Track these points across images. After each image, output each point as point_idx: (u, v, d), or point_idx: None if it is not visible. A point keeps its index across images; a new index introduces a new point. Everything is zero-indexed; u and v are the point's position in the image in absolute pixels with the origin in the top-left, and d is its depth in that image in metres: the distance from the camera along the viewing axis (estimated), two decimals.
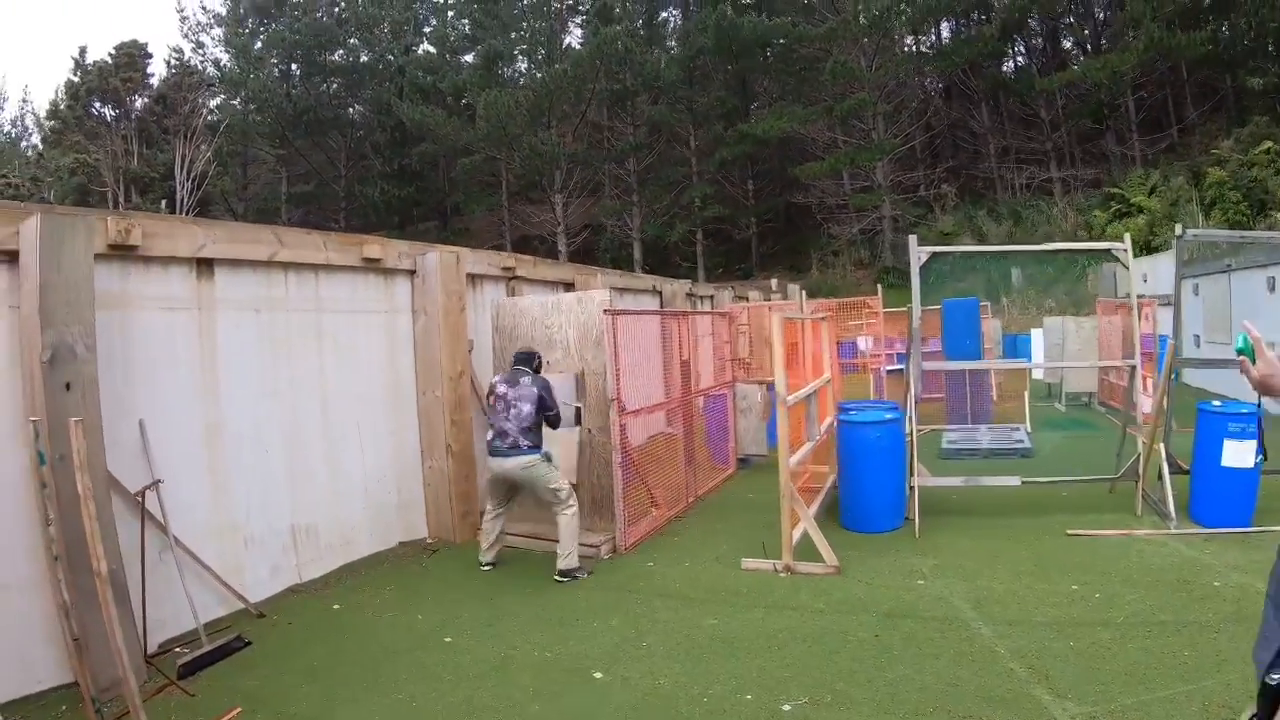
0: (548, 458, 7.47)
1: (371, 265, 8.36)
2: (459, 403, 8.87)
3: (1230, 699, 4.56)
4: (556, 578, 7.24)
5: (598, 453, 8.45)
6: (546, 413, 7.50)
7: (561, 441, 8.44)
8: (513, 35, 46.10)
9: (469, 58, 49.22)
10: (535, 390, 7.43)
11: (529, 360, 7.78)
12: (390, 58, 47.09)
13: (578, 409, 8.51)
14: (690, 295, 18.31)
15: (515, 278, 10.90)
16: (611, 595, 6.88)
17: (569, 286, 12.03)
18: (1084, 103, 37.29)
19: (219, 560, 6.51)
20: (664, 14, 50.50)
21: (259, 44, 46.99)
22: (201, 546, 6.35)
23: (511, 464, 7.32)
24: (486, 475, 7.75)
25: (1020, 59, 44.02)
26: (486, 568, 7.69)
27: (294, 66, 46.98)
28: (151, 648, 5.78)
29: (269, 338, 7.28)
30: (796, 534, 7.33)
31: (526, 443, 7.29)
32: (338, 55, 47.55)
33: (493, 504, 7.75)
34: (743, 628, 5.99)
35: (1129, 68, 32.95)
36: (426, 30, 51.92)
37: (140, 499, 5.76)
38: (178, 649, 5.86)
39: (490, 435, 7.50)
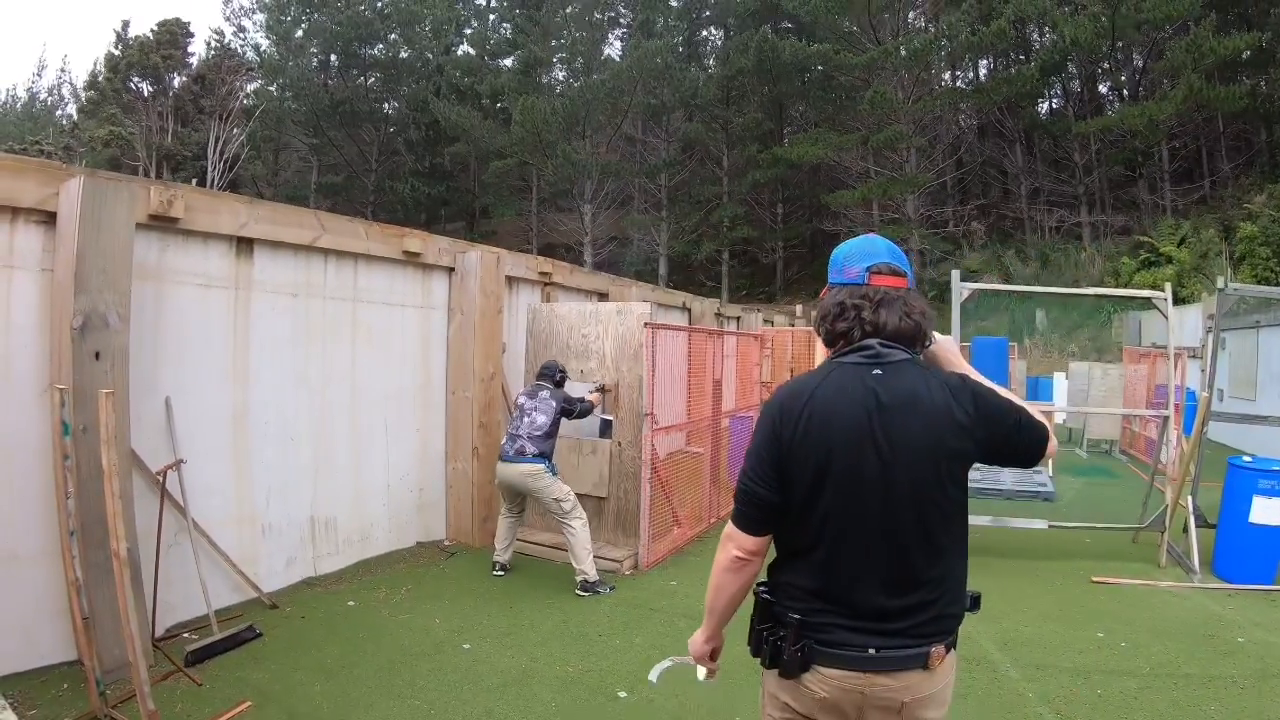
0: (551, 469, 7.38)
1: (411, 259, 8.25)
2: (488, 405, 8.74)
3: None
4: (578, 592, 7.11)
5: (625, 467, 8.27)
6: (569, 413, 7.61)
7: (592, 453, 8.41)
8: (553, 43, 46.02)
9: (508, 62, 49.13)
10: (554, 403, 7.49)
11: (550, 374, 7.79)
12: (429, 56, 47.18)
13: (609, 421, 8.40)
14: (719, 315, 18.14)
15: (551, 284, 10.78)
16: (634, 613, 6.74)
17: (603, 296, 11.95)
18: (1118, 149, 36.85)
19: (235, 547, 6.36)
20: (705, 32, 50.63)
21: (300, 32, 47.00)
22: (218, 532, 6.20)
23: (514, 470, 7.29)
24: (497, 480, 7.69)
25: (1057, 101, 43.80)
26: (499, 572, 7.60)
27: (333, 57, 47.08)
28: (159, 631, 5.62)
29: (304, 324, 7.15)
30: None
31: (533, 450, 7.27)
32: (377, 49, 47.57)
33: (506, 506, 7.69)
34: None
35: (1166, 117, 32.56)
36: (467, 32, 52.14)
37: (161, 478, 5.60)
38: (186, 634, 5.73)
39: (504, 440, 7.57)
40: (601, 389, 8.30)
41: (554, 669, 5.49)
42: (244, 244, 6.49)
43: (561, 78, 48.31)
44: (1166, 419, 9.15)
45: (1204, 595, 7.59)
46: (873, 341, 2.37)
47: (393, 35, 47.70)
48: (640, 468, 8.06)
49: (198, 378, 6.10)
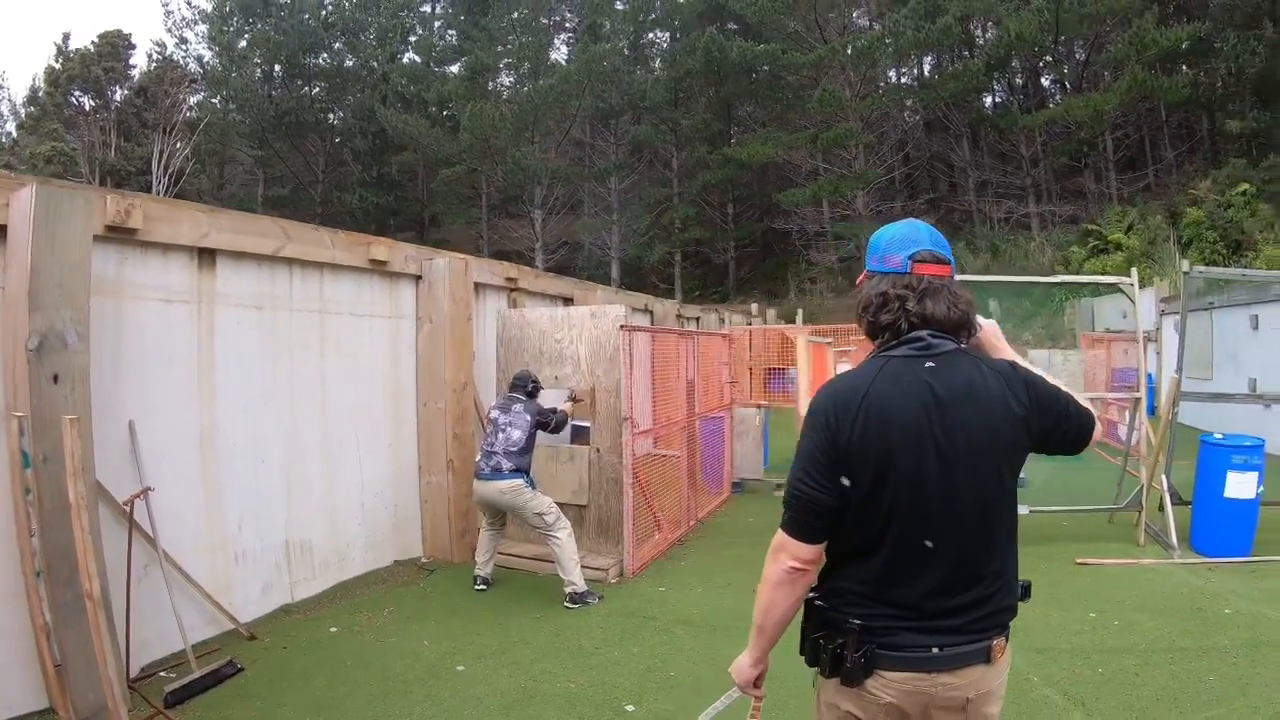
0: (530, 483, 7.15)
1: (377, 267, 7.97)
2: (461, 416, 8.50)
3: None
4: (567, 604, 6.90)
5: (605, 473, 8.12)
6: (544, 426, 7.37)
7: (570, 461, 8.27)
8: (499, 48, 45.58)
9: (454, 68, 48.72)
10: (528, 416, 7.25)
11: (523, 385, 7.55)
12: (375, 64, 46.51)
13: (583, 427, 8.25)
14: (679, 316, 18.05)
15: (517, 289, 10.57)
16: (628, 622, 6.59)
17: (568, 301, 11.78)
18: (1063, 140, 37.61)
19: (208, 577, 6.03)
20: (651, 35, 50.56)
21: (243, 43, 46.01)
22: (190, 561, 5.86)
23: (491, 488, 7.07)
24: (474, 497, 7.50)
25: (1001, 95, 44.33)
26: (480, 586, 7.38)
27: (277, 68, 46.03)
28: (134, 671, 5.27)
29: (270, 338, 6.84)
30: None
31: (509, 465, 7.03)
32: (322, 59, 46.77)
33: (487, 520, 7.48)
34: (773, 658, 5.63)
35: (1110, 108, 33.30)
36: (413, 39, 51.39)
37: (129, 508, 5.26)
38: (163, 673, 5.39)
39: (478, 457, 7.33)
40: (573, 398, 8.11)
41: (555, 686, 5.31)
42: (206, 255, 6.18)
43: (509, 83, 47.97)
44: (1137, 401, 9.47)
45: (1186, 570, 7.85)
46: (923, 333, 2.29)
47: (337, 44, 47.02)
48: (621, 473, 7.91)
49: (162, 398, 5.77)
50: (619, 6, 45.65)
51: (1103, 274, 25.37)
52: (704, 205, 42.75)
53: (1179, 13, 35.50)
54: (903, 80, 45.82)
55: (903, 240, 2.39)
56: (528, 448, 7.20)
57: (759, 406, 12.92)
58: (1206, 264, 24.90)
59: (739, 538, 9.32)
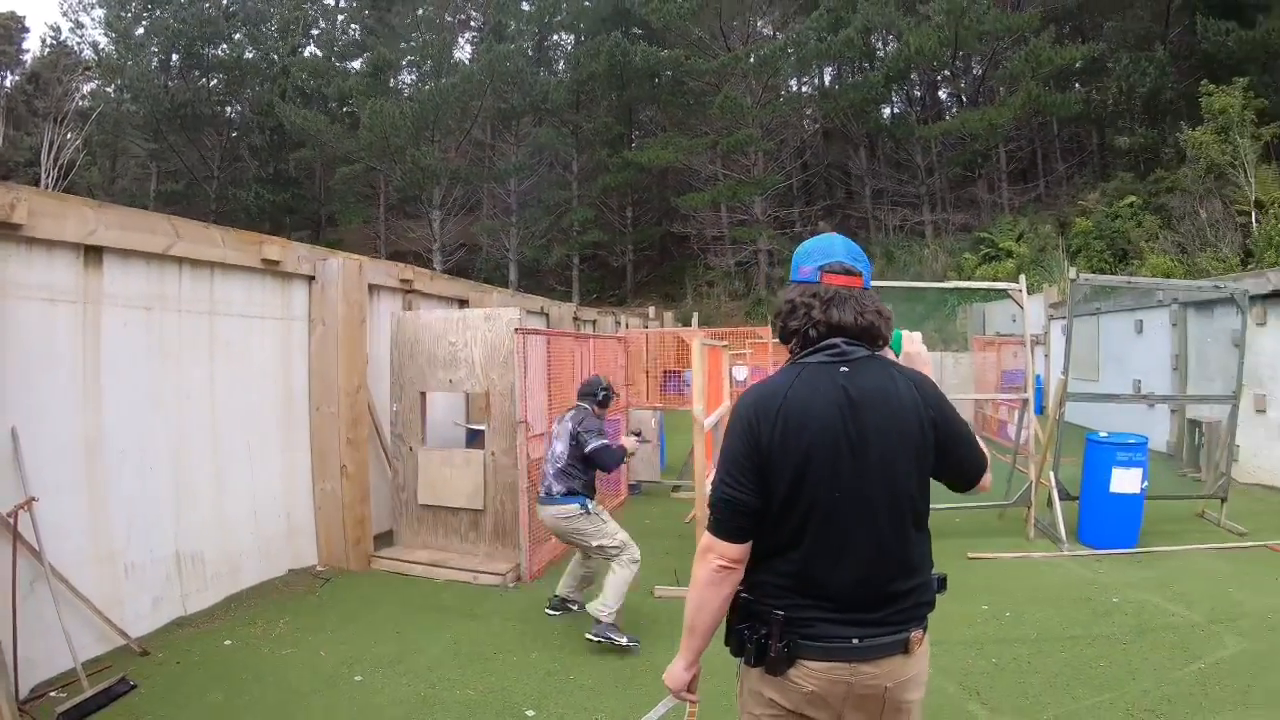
0: (585, 508, 6.35)
1: (270, 267, 7.79)
2: (355, 420, 8.37)
3: (1149, 704, 5.06)
4: (589, 635, 6.10)
5: (501, 477, 8.14)
6: (581, 452, 6.43)
7: (465, 465, 8.29)
8: (402, 45, 44.96)
9: (356, 64, 47.80)
10: (569, 425, 6.53)
11: (592, 393, 6.80)
12: (275, 57, 45.10)
13: (480, 432, 8.30)
14: (576, 319, 18.06)
15: (412, 291, 10.54)
16: (525, 627, 6.64)
17: (463, 303, 11.81)
18: (958, 151, 38.67)
19: (97, 591, 5.82)
20: (556, 36, 50.43)
21: (141, 30, 44.25)
22: (77, 575, 5.65)
23: (546, 514, 6.48)
24: None
25: (900, 106, 45.35)
26: (554, 612, 6.82)
27: (175, 57, 44.37)
28: (23, 692, 5.05)
29: (159, 340, 6.64)
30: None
31: (559, 488, 6.36)
32: (221, 49, 44.98)
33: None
34: (669, 657, 5.63)
35: (1005, 121, 34.44)
36: (315, 33, 50.21)
37: (12, 520, 5.04)
38: (54, 693, 5.19)
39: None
40: (636, 432, 8.09)
41: (454, 693, 5.31)
42: (93, 253, 5.99)
43: (411, 81, 47.37)
44: (1025, 401, 9.96)
45: (1074, 562, 8.37)
46: (837, 340, 2.45)
47: (238, 35, 45.44)
48: (517, 477, 7.94)
49: (45, 403, 5.57)
50: (525, 7, 45.37)
51: (994, 280, 26.13)
52: (603, 208, 42.73)
53: (1075, 33, 37.09)
54: (804, 89, 46.63)
55: (816, 252, 2.57)
56: (574, 463, 6.42)
57: (655, 409, 12.96)
58: (1094, 272, 25.90)
59: (636, 539, 9.13)
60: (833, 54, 37.86)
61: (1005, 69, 35.96)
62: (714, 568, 2.42)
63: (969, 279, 28.97)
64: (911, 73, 40.32)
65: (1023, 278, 10.14)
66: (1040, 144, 40.06)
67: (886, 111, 44.71)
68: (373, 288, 9.49)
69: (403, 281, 10.27)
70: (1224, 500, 9.67)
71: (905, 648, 2.37)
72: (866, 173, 41.13)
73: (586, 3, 47.42)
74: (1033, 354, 10.29)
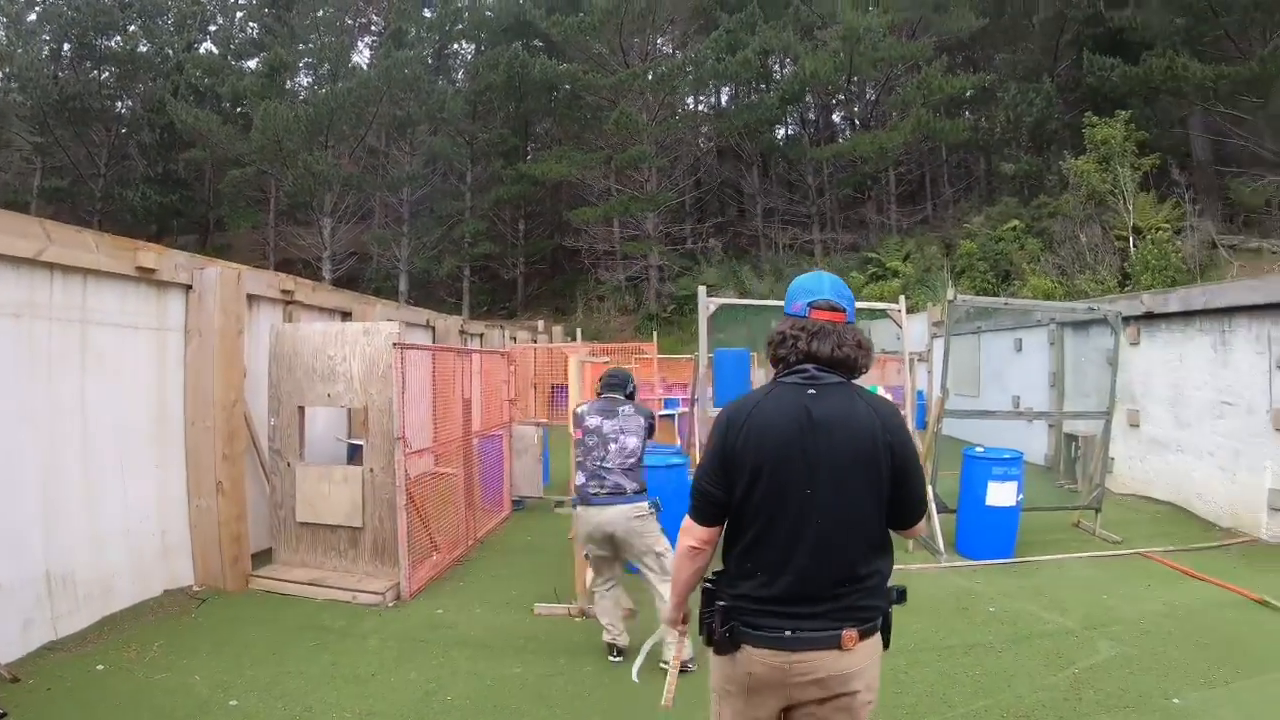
0: (657, 506, 6.07)
1: (145, 275, 7.57)
2: (231, 435, 8.19)
3: (1024, 710, 5.25)
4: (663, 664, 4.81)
5: (379, 494, 8.08)
6: (652, 431, 6.35)
7: (343, 481, 8.19)
8: (300, 46, 44.20)
9: (252, 63, 46.44)
10: (641, 420, 6.24)
11: (623, 385, 6.50)
12: (170, 52, 43.57)
13: (358, 446, 8.19)
14: (463, 332, 18.11)
15: (293, 302, 10.39)
16: (404, 646, 6.57)
17: (346, 315, 11.71)
18: (849, 173, 40.07)
19: None
20: (456, 45, 50.29)
21: (33, 16, 42.17)
22: None
23: (614, 514, 5.95)
24: (579, 532, 6.36)
25: (794, 128, 46.45)
26: (616, 657, 6.22)
27: (66, 47, 42.51)
28: None
29: (27, 350, 6.45)
30: (589, 576, 7.07)
31: (632, 485, 6.01)
32: (115, 41, 43.27)
33: (600, 575, 6.34)
34: (547, 676, 5.93)
35: (895, 146, 35.80)
36: (212, 28, 48.80)
37: None
38: None
39: (582, 479, 6.16)
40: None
41: (331, 716, 5.30)
42: None
43: (307, 84, 46.64)
44: (904, 416, 10.12)
45: (952, 573, 8.59)
46: (809, 366, 2.86)
47: (132, 27, 43.76)
48: (395, 493, 7.89)
49: None
50: (426, 14, 45.20)
51: (880, 299, 26.94)
52: (495, 220, 42.71)
53: (967, 63, 38.96)
54: (700, 108, 47.41)
55: (807, 290, 2.99)
56: (643, 461, 6.20)
57: (538, 425, 13.10)
58: (977, 292, 27.21)
59: (519, 556, 9.49)
60: (730, 74, 38.72)
61: (898, 95, 37.44)
62: (687, 546, 2.98)
63: (856, 298, 29.90)
64: (806, 95, 41.50)
65: (902, 299, 10.45)
66: (929, 168, 41.90)
67: (780, 132, 46.06)
68: (252, 298, 9.34)
69: (284, 292, 10.13)
70: (1098, 510, 10.19)
71: (838, 644, 2.72)
72: (758, 191, 42.00)
73: (488, 13, 47.47)
74: (913, 371, 10.68)
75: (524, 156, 44.19)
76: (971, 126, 36.68)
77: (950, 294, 10.00)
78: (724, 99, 47.66)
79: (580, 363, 7.49)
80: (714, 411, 10.46)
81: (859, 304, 13.01)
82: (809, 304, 2.95)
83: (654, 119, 38.40)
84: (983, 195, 38.62)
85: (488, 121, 43.74)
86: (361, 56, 47.71)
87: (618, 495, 5.96)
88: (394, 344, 7.95)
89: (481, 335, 20.23)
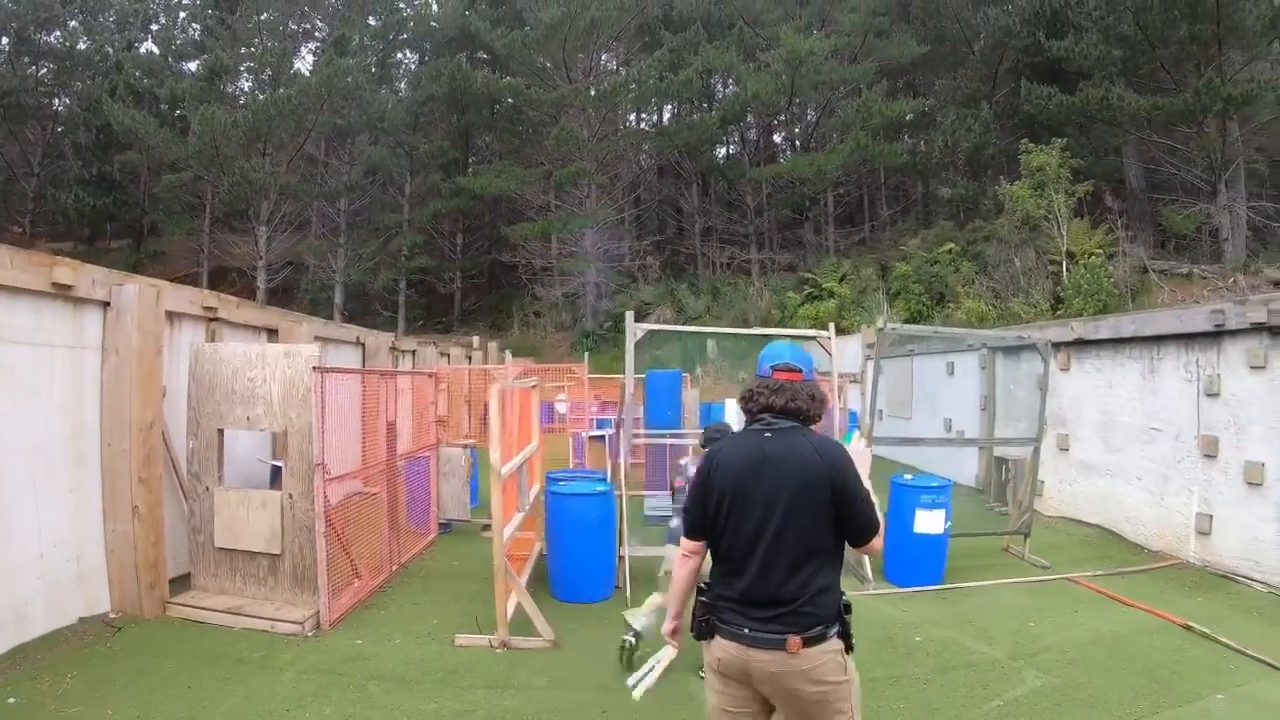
0: None
1: (61, 291, 7.34)
2: (148, 458, 7.97)
3: None
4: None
5: (299, 520, 7.91)
6: None
7: (262, 507, 8.03)
8: (242, 50, 43.47)
9: (192, 66, 45.73)
10: None
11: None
12: (109, 50, 43.02)
13: (278, 468, 8.03)
14: (394, 349, 18.00)
15: (217, 319, 10.17)
16: (321, 679, 6.44)
17: (273, 333, 11.49)
18: (788, 194, 40.58)
19: None
20: (400, 55, 50.22)
21: None
22: None
23: None
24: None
25: (734, 147, 46.99)
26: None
27: (4, 40, 41.53)
28: None
29: None
30: (510, 606, 7.22)
31: None
32: (54, 37, 42.67)
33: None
34: (465, 711, 5.88)
35: (834, 168, 36.48)
36: (154, 28, 48.15)
37: None
38: None
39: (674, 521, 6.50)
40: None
41: None
42: None
43: (247, 89, 45.98)
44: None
45: (880, 601, 8.61)
46: (766, 415, 3.57)
47: (73, 22, 43.18)
48: (314, 520, 7.70)
49: None
50: (370, 22, 45.06)
51: (815, 319, 27.91)
52: (433, 234, 42.63)
53: (907, 88, 40.17)
54: (641, 125, 47.74)
55: (772, 356, 3.73)
56: None
57: (466, 446, 12.85)
58: (913, 313, 27.95)
59: (443, 582, 9.39)
60: (672, 93, 39.21)
61: (838, 118, 38.41)
62: (681, 554, 3.73)
63: (792, 317, 30.82)
64: (748, 116, 42.11)
65: (832, 326, 10.67)
66: (867, 190, 42.70)
67: (721, 151, 46.54)
68: (174, 315, 9.15)
69: (206, 309, 9.93)
70: (1027, 535, 10.41)
71: (784, 647, 3.26)
72: (697, 210, 42.53)
73: (433, 23, 47.50)
74: (842, 395, 10.87)
75: (464, 170, 44.00)
76: (910, 150, 37.36)
77: (880, 321, 10.26)
78: (666, 117, 48.01)
79: (501, 391, 7.41)
80: (643, 434, 11.16)
81: (783, 332, 13.24)
82: (772, 367, 3.69)
83: (595, 135, 38.57)
84: (920, 218, 39.44)
85: (429, 133, 43.79)
86: (304, 63, 47.22)
87: None
88: (314, 367, 7.78)
89: (414, 352, 20.09)
